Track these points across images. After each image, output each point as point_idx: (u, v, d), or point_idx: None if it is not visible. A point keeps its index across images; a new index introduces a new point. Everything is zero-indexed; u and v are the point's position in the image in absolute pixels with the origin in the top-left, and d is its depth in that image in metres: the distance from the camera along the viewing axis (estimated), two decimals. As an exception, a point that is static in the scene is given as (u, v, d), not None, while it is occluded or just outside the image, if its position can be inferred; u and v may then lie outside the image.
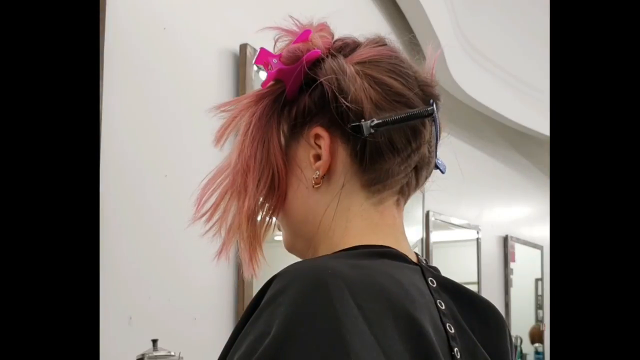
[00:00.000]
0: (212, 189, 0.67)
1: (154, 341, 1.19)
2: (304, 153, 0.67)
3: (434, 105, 0.66)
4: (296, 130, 0.67)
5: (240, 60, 1.66)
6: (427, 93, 0.67)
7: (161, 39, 1.42)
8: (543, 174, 5.47)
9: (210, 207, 0.66)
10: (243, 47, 1.67)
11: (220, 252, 0.68)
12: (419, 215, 3.47)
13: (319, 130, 0.66)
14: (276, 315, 0.52)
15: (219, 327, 1.55)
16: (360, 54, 0.67)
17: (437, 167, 0.70)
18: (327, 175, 0.66)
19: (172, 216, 1.36)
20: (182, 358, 1.21)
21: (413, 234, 3.36)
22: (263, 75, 1.98)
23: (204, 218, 0.67)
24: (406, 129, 0.65)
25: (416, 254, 0.69)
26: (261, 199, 0.67)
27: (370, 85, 0.65)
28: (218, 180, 0.67)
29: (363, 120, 0.63)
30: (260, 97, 0.67)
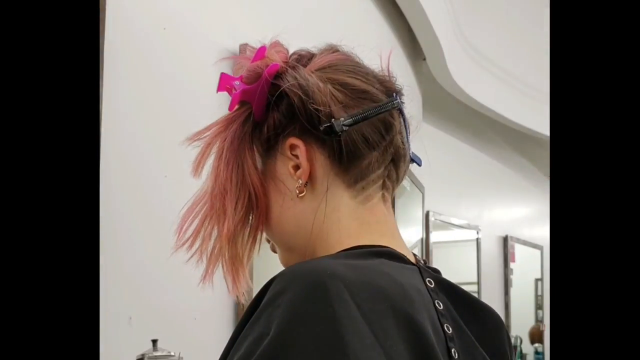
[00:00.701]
0: (192, 216, 0.68)
1: (154, 341, 1.19)
2: (283, 167, 0.68)
3: (398, 98, 0.69)
4: (270, 146, 0.69)
5: (240, 60, 1.66)
6: (388, 87, 0.70)
7: (161, 39, 1.42)
8: (543, 174, 5.47)
9: (192, 234, 0.67)
10: (243, 46, 1.67)
11: (204, 277, 0.69)
12: (419, 215, 3.47)
13: (293, 140, 0.67)
14: (275, 317, 0.52)
15: (219, 327, 1.55)
16: (317, 62, 0.69)
17: (412, 160, 0.72)
18: (310, 182, 0.67)
19: (172, 216, 1.36)
20: (182, 358, 1.21)
21: (413, 234, 3.36)
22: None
23: (185, 245, 0.68)
24: (377, 123, 0.67)
25: (414, 254, 0.69)
26: (241, 221, 0.68)
27: (334, 87, 0.67)
28: (197, 208, 0.68)
29: (333, 119, 0.64)
30: (229, 122, 0.69)
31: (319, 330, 0.51)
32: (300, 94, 0.66)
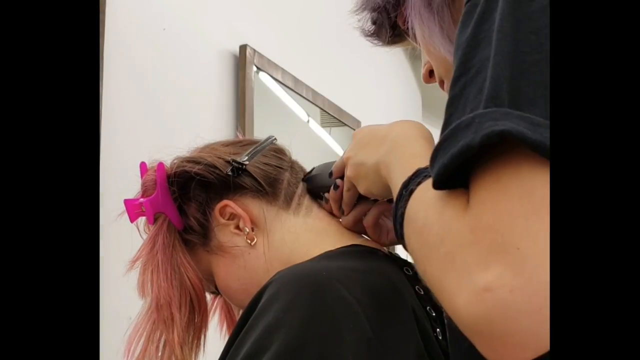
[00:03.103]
0: (137, 336, 0.70)
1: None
2: (225, 235, 0.72)
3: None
4: (206, 228, 0.72)
5: (240, 61, 1.66)
6: (256, 140, 0.78)
7: (161, 39, 1.42)
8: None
9: (140, 353, 0.69)
10: (243, 47, 1.67)
11: None
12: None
13: (218, 206, 0.71)
14: (275, 326, 0.51)
15: (218, 328, 1.54)
16: (191, 153, 0.76)
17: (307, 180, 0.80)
18: (255, 226, 0.71)
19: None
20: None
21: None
22: (263, 76, 1.99)
23: None
24: (269, 152, 0.75)
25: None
26: (187, 325, 0.70)
27: (219, 146, 0.75)
28: (142, 327, 0.70)
29: (232, 160, 0.71)
30: (155, 237, 0.72)
31: (322, 330, 0.51)
32: (195, 164, 0.71)
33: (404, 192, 0.47)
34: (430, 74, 0.68)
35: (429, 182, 0.43)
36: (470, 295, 0.34)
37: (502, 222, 0.34)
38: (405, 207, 0.45)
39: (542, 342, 0.32)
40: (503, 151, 0.36)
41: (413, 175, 0.48)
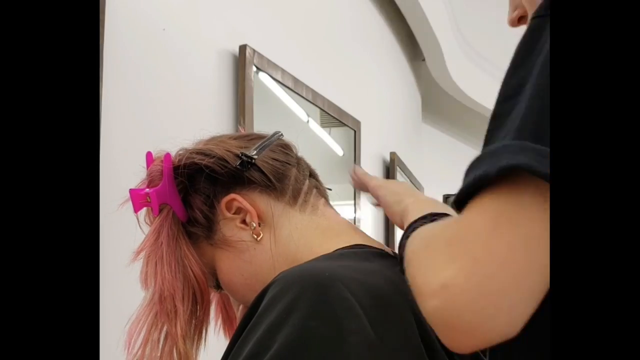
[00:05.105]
0: (138, 327, 0.69)
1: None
2: (231, 229, 0.71)
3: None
4: (211, 221, 0.72)
5: (240, 61, 1.66)
6: (263, 134, 0.78)
7: (160, 39, 1.42)
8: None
9: (141, 345, 0.69)
10: (242, 48, 1.67)
11: None
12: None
13: (224, 200, 0.71)
14: (277, 326, 0.51)
15: (218, 328, 1.54)
16: (200, 142, 0.76)
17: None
18: (261, 221, 0.71)
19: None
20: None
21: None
22: (262, 76, 1.99)
23: (137, 357, 0.69)
24: (276, 147, 0.74)
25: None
26: (190, 318, 0.70)
27: (227, 140, 0.74)
28: (143, 319, 0.70)
29: (241, 154, 0.70)
30: (159, 228, 0.72)
31: (324, 335, 0.51)
32: (204, 157, 0.71)
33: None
34: (520, 20, 0.70)
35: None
36: (432, 290, 0.42)
37: (469, 236, 0.42)
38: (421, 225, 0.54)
39: (486, 334, 0.41)
40: (504, 181, 0.41)
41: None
